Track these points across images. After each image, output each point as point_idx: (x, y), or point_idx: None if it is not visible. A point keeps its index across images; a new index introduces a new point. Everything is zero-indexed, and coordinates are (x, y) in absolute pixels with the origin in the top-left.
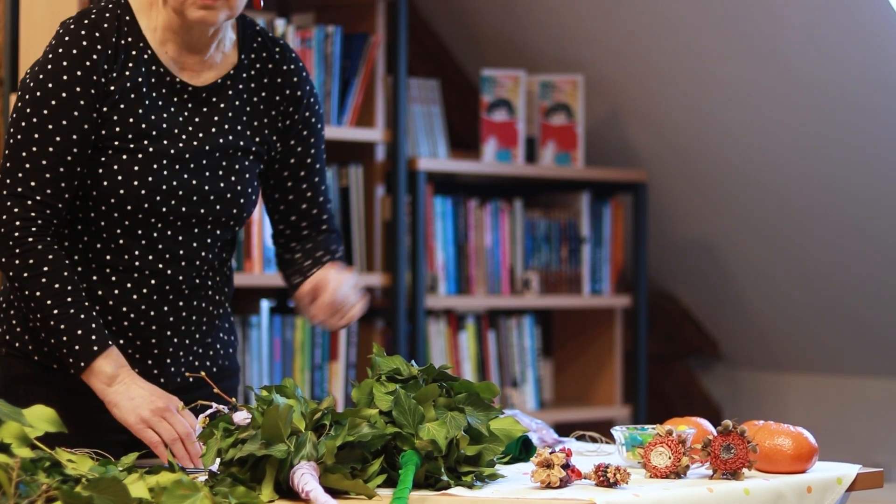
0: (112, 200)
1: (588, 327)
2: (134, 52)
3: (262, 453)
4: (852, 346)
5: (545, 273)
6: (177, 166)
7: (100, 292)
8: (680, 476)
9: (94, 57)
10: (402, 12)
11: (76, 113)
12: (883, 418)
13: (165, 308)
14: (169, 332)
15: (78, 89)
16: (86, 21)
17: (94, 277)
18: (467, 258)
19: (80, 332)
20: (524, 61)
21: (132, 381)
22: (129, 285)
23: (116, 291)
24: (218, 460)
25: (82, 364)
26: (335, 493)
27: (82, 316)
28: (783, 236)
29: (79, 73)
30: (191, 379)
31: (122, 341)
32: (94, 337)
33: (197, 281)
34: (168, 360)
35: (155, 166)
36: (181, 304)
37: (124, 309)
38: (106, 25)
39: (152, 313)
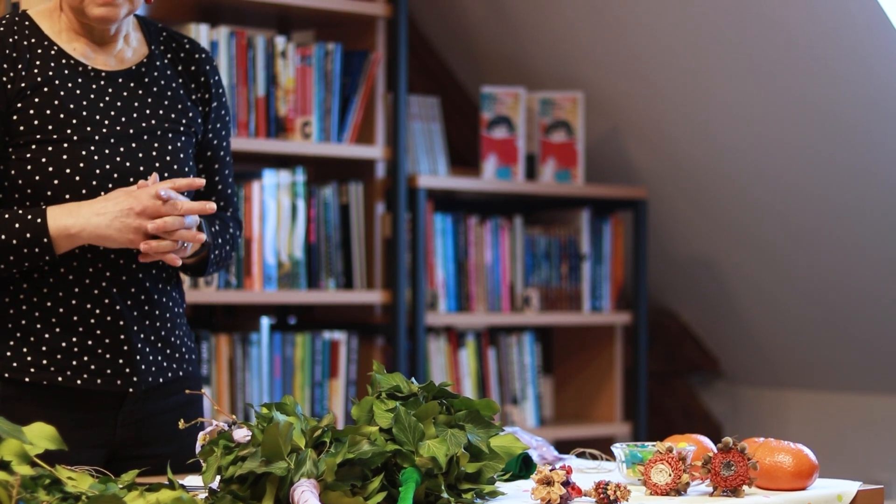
0: (49, 193)
1: (588, 344)
2: (40, 51)
3: (263, 471)
4: (853, 364)
5: (545, 290)
6: (106, 150)
7: (61, 294)
8: (680, 493)
9: None
10: (402, 30)
11: None
12: (883, 435)
13: (129, 302)
14: (136, 327)
15: None
16: None
17: (51, 280)
18: (467, 275)
19: (16, 224)
20: (524, 78)
21: (94, 211)
22: (87, 281)
23: (77, 290)
24: (218, 478)
25: (45, 240)
26: None
27: (6, 215)
28: (783, 253)
29: None
30: (161, 380)
31: (90, 342)
32: (28, 216)
33: (153, 271)
34: (138, 357)
35: (84, 152)
36: (143, 297)
37: (88, 306)
38: (2, 29)
39: (117, 307)
